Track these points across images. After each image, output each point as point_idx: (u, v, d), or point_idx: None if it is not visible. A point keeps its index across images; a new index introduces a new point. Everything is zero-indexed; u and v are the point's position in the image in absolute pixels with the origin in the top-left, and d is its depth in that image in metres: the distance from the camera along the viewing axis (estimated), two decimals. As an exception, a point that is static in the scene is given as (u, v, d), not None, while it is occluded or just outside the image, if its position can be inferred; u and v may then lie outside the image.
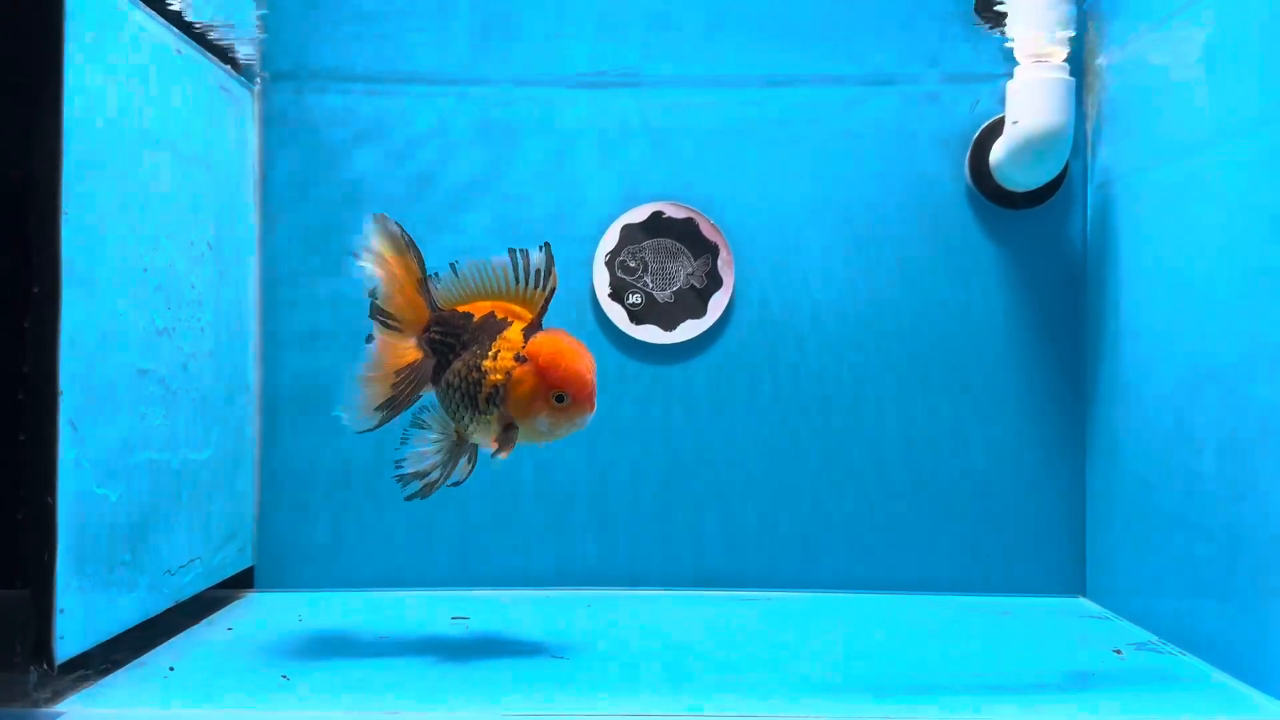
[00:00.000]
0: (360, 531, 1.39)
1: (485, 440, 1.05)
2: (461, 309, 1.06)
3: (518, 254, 1.04)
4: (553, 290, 1.04)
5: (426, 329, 1.06)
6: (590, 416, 1.02)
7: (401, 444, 1.06)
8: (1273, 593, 0.96)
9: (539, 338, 1.02)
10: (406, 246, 1.05)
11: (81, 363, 0.95)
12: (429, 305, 1.06)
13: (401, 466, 1.05)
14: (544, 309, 1.04)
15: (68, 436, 0.92)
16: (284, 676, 1.01)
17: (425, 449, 1.06)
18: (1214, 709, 0.94)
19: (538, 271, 1.04)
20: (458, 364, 1.03)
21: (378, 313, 1.05)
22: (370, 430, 1.04)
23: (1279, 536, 0.95)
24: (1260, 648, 0.98)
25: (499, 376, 1.01)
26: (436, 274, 1.06)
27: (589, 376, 1.01)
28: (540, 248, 1.03)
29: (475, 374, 1.02)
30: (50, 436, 0.91)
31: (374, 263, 1.05)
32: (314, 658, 1.08)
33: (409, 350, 1.06)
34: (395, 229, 1.05)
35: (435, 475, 1.05)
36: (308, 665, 1.05)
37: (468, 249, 1.37)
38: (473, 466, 1.08)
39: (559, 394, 1.00)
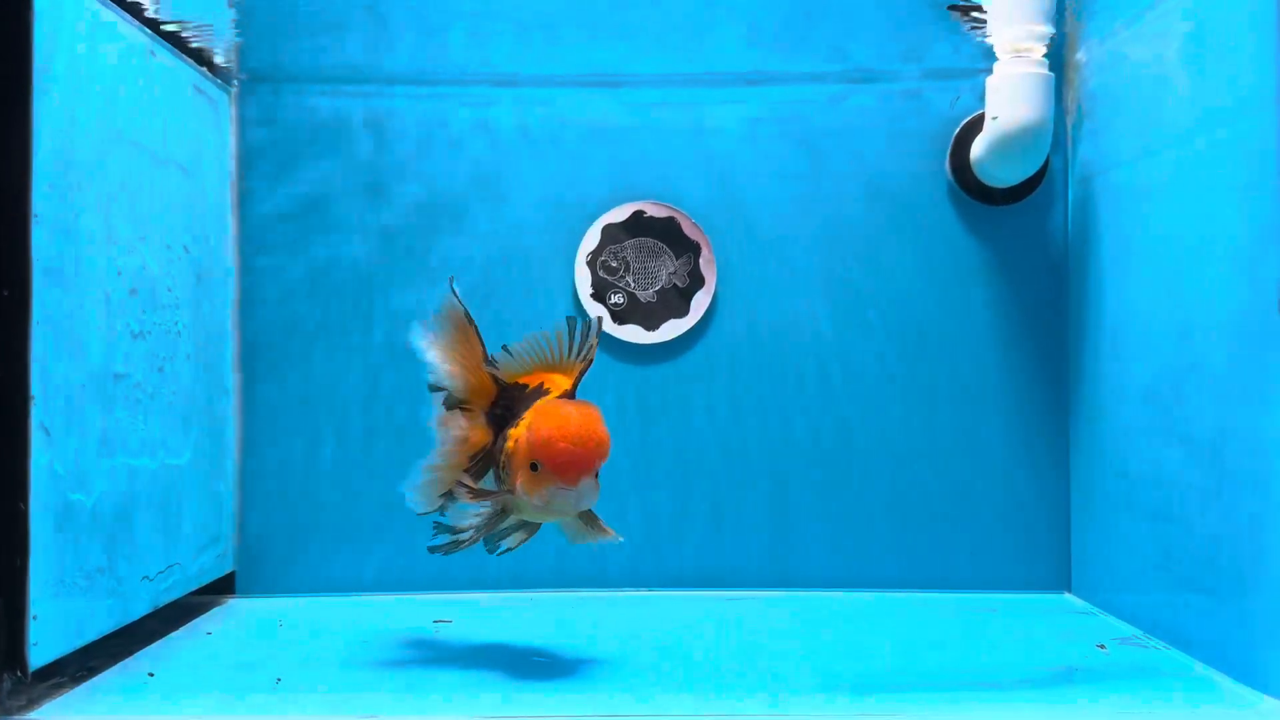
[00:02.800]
0: (342, 536, 1.38)
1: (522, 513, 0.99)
2: (521, 380, 1.01)
3: (579, 322, 0.99)
4: (588, 363, 0.99)
5: (494, 405, 1.02)
6: (583, 499, 0.92)
7: (450, 502, 1.02)
8: (1255, 587, 0.96)
9: (541, 403, 0.95)
10: (470, 324, 1.01)
11: (54, 367, 0.94)
12: (494, 380, 1.01)
13: (444, 516, 1.01)
14: (579, 379, 0.99)
15: (40, 441, 0.91)
16: (278, 679, 1.00)
17: (469, 509, 1.00)
18: (1197, 702, 0.94)
19: (582, 342, 0.99)
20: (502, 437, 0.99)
21: (453, 402, 1.02)
22: (429, 513, 1.01)
23: (1261, 531, 0.95)
24: (1243, 641, 0.98)
25: (513, 444, 0.96)
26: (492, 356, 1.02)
27: (578, 451, 0.90)
28: (597, 319, 0.99)
29: (506, 443, 0.97)
30: (22, 441, 0.90)
31: (440, 347, 1.01)
32: (295, 663, 1.07)
33: (479, 431, 1.02)
34: (460, 307, 1.01)
35: (465, 536, 1.00)
36: (288, 671, 1.04)
37: (446, 251, 1.39)
38: (528, 535, 1.04)
39: (535, 463, 0.92)
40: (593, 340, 1.00)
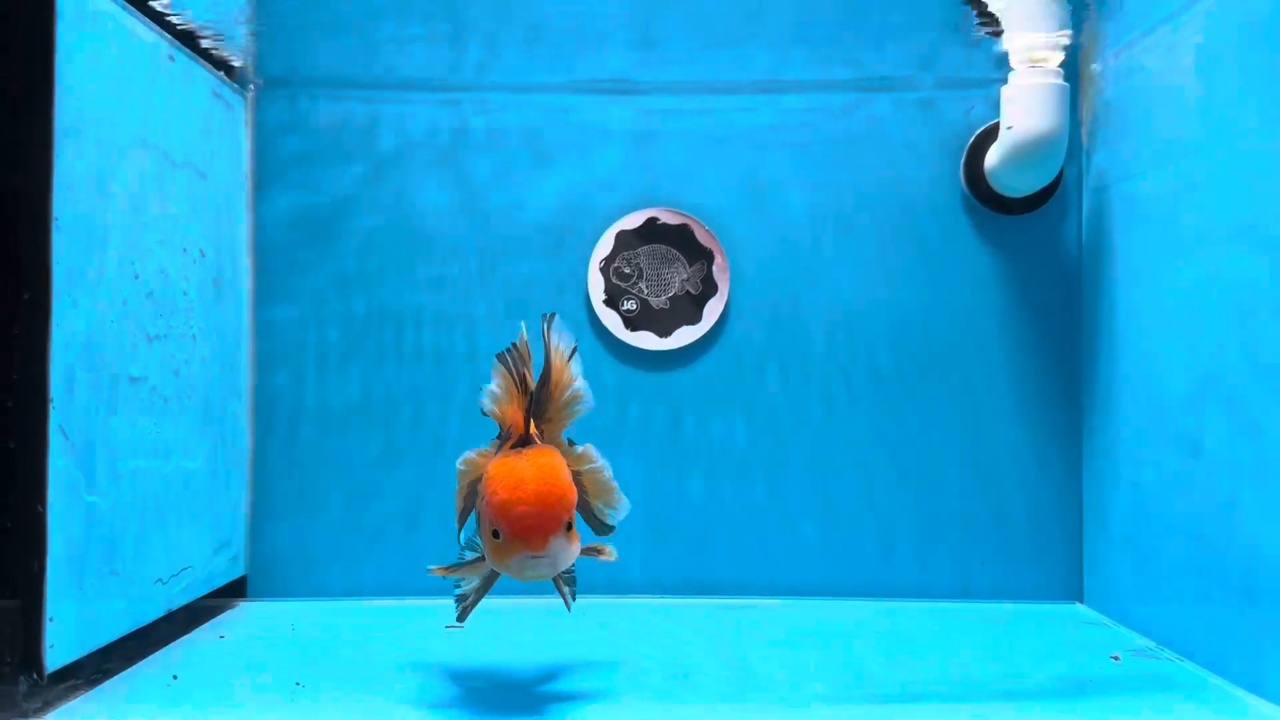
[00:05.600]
0: (354, 540, 1.38)
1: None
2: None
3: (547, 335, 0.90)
4: (531, 397, 0.89)
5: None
6: (559, 560, 0.85)
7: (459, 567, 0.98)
8: (1268, 598, 0.96)
9: (495, 461, 0.88)
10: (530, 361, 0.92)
11: (72, 370, 0.95)
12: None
13: (458, 587, 0.98)
14: (527, 419, 0.88)
15: (58, 444, 0.92)
16: (297, 683, 1.01)
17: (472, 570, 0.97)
18: (1211, 714, 0.94)
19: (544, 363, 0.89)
20: None
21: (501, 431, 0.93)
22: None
23: (1274, 542, 0.95)
24: (1256, 653, 0.98)
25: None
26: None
27: (539, 512, 0.83)
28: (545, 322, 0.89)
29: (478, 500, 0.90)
30: (40, 444, 0.90)
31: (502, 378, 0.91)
32: (310, 668, 1.07)
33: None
34: (535, 345, 0.92)
35: (469, 600, 0.98)
36: (303, 675, 1.04)
37: (461, 254, 1.39)
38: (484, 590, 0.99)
39: (495, 530, 0.85)
40: (528, 367, 0.90)
